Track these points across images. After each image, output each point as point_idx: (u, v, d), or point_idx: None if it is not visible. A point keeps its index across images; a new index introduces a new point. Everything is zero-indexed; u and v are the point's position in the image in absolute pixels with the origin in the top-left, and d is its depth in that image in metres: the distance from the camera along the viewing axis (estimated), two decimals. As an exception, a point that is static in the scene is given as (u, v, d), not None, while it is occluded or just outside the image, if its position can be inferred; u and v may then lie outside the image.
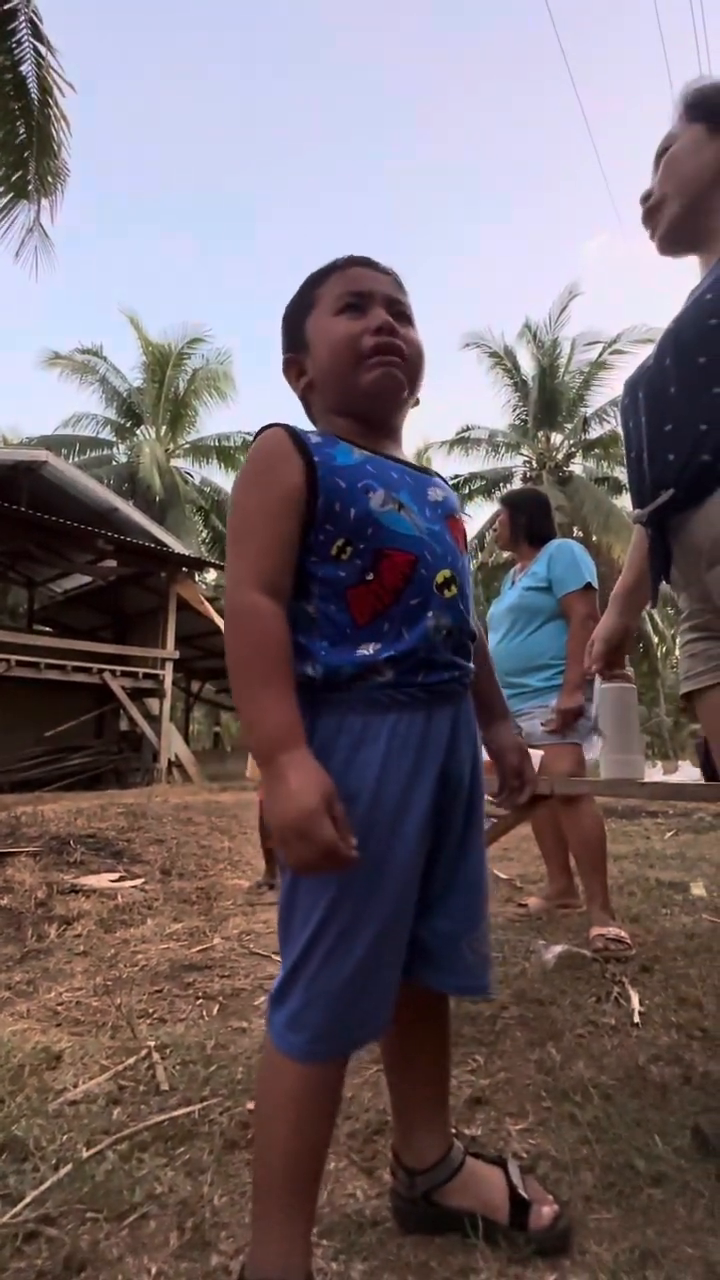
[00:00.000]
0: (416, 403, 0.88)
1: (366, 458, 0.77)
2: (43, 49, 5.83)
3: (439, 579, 0.75)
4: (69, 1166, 0.95)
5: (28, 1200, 0.88)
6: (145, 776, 9.70)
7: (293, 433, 0.75)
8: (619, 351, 16.10)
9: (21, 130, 6.18)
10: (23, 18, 5.62)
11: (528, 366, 17.52)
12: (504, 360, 17.47)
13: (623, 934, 1.86)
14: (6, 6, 5.46)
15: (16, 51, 5.70)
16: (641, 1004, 1.48)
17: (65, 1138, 1.03)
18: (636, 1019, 1.40)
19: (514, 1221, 0.79)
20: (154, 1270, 0.77)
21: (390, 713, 0.71)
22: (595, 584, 2.20)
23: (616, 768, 1.37)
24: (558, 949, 1.79)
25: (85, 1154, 0.99)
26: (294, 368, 0.86)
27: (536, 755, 1.87)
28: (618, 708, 1.39)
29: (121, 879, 3.23)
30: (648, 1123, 1.02)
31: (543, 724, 2.16)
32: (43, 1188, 0.91)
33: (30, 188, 6.54)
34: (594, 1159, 0.94)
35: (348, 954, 0.69)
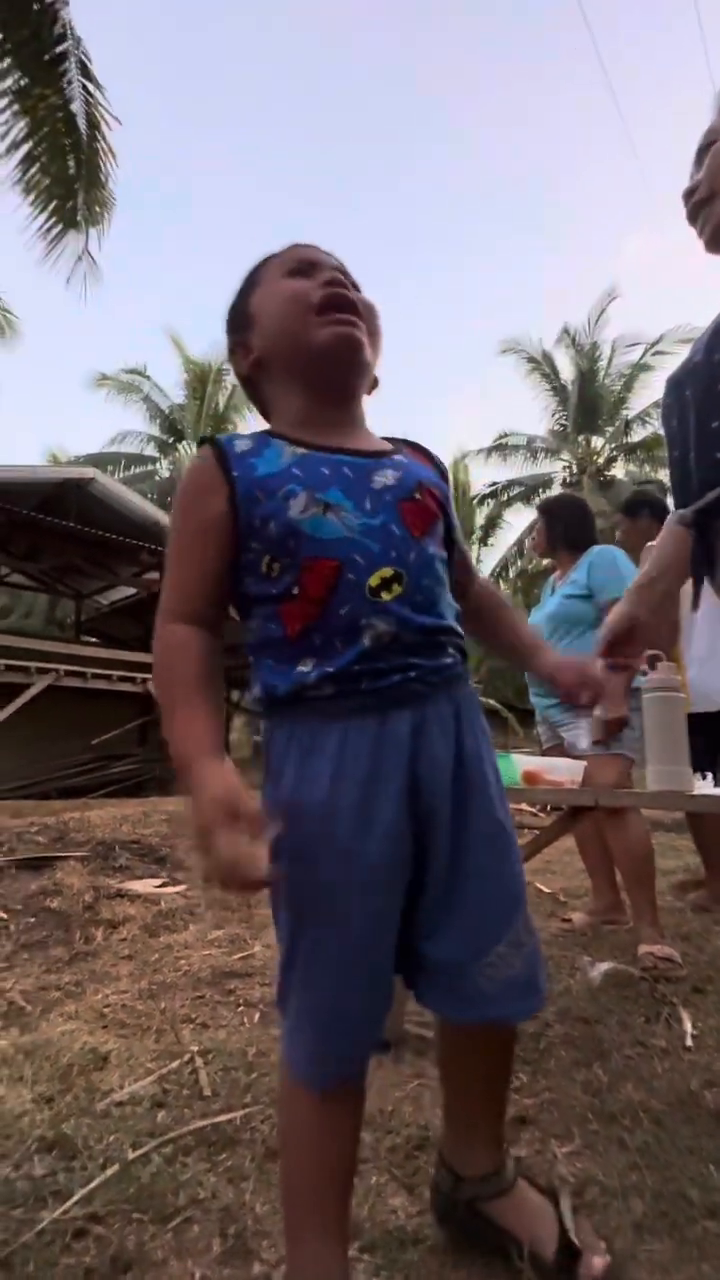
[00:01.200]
0: (376, 383, 0.82)
1: (296, 459, 0.71)
2: (91, 87, 6.12)
3: (373, 581, 0.68)
4: (115, 1167, 0.97)
5: (76, 1198, 0.91)
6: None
7: (220, 451, 0.72)
8: (661, 352, 15.76)
9: (71, 164, 6.49)
10: (73, 59, 5.91)
11: (567, 371, 17.32)
12: (542, 365, 17.30)
13: (673, 953, 1.80)
14: (58, 50, 5.76)
15: (67, 90, 5.99)
16: (694, 1027, 1.43)
17: (112, 1138, 1.06)
18: (689, 1042, 1.35)
19: (559, 1264, 0.74)
20: (198, 1275, 0.78)
21: (337, 721, 0.67)
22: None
23: (662, 779, 1.33)
24: (604, 966, 1.74)
25: (131, 1155, 1.01)
26: (240, 349, 0.81)
27: (580, 766, 1.83)
28: (663, 717, 1.35)
29: (165, 885, 3.29)
30: (701, 1151, 0.98)
31: (587, 734, 2.12)
32: (90, 1186, 0.93)
33: (79, 218, 6.86)
34: (644, 1186, 0.91)
35: (319, 975, 0.68)
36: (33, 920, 2.65)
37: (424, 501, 0.74)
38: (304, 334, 0.74)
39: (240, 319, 0.82)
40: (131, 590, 12.03)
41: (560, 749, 2.30)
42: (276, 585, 0.70)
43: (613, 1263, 0.76)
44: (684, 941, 2.06)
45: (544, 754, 2.36)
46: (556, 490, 17.54)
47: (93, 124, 6.20)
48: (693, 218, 1.01)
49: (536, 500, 17.71)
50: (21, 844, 4.02)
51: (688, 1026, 1.42)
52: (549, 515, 2.46)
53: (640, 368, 16.33)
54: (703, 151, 1.00)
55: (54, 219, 6.81)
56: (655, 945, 1.81)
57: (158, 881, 3.34)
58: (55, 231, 6.84)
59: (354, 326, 0.75)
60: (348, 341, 0.75)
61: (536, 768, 1.51)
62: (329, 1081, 0.69)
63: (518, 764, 1.54)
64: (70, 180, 6.40)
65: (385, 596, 0.69)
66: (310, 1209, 0.69)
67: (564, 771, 1.47)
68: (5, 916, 2.70)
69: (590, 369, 16.85)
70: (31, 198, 6.59)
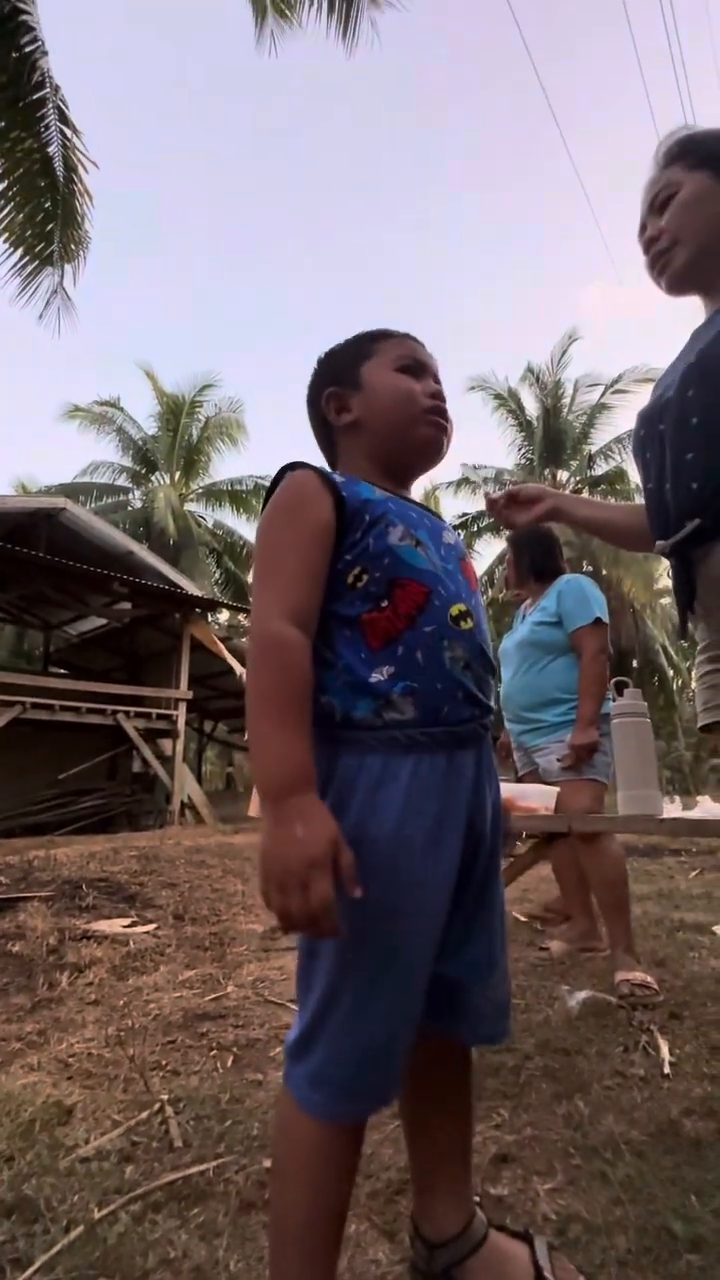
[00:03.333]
0: None
1: (388, 496, 0.79)
2: (68, 131, 6.27)
3: (453, 611, 0.75)
4: (80, 1229, 0.92)
5: (38, 1264, 0.85)
6: (158, 818, 9.61)
7: (320, 472, 0.77)
8: (621, 391, 16.48)
9: (47, 204, 6.61)
10: (50, 105, 6.07)
11: (531, 407, 17.95)
12: (508, 401, 17.91)
13: (649, 979, 1.80)
14: (35, 96, 5.91)
15: (44, 135, 6.13)
16: (672, 1053, 1.42)
17: (76, 1197, 1.00)
18: (667, 1069, 1.34)
19: None
20: (168, 1342, 0.74)
21: (410, 754, 0.69)
22: (606, 618, 2.21)
23: (633, 803, 1.35)
24: (582, 995, 1.73)
25: (97, 1215, 0.95)
26: (337, 401, 0.88)
27: (553, 792, 1.85)
28: (631, 742, 1.38)
29: (134, 924, 3.17)
30: (683, 1181, 0.97)
31: (558, 759, 2.14)
32: (52, 1251, 0.88)
33: (55, 256, 6.96)
34: (628, 1221, 0.89)
35: (371, 1007, 0.66)
36: (-8, 966, 2.53)
37: (473, 567, 0.86)
38: (409, 429, 0.86)
39: (347, 377, 0.88)
40: (102, 621, 11.86)
41: (534, 775, 2.32)
42: (363, 597, 0.73)
43: None
44: (659, 967, 2.06)
45: (519, 780, 2.37)
46: (525, 521, 17.97)
47: (70, 167, 6.34)
48: (655, 262, 1.08)
49: (505, 532, 18.14)
50: (-18, 885, 3.85)
51: (665, 1054, 1.41)
52: (516, 547, 2.52)
53: (600, 407, 17.03)
54: (660, 202, 1.06)
55: (28, 257, 6.90)
56: (631, 972, 1.81)
57: (126, 921, 3.22)
58: (30, 269, 6.92)
59: (446, 435, 0.88)
60: (439, 445, 0.88)
61: (508, 794, 1.52)
62: (360, 1117, 0.69)
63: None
64: (46, 220, 6.50)
65: (464, 625, 0.76)
66: (299, 1251, 0.66)
67: (536, 798, 1.49)
68: (-37, 963, 2.57)
69: (554, 405, 17.51)
70: (6, 236, 6.68)
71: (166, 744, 10.42)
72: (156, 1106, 1.29)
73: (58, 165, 6.21)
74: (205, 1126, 1.21)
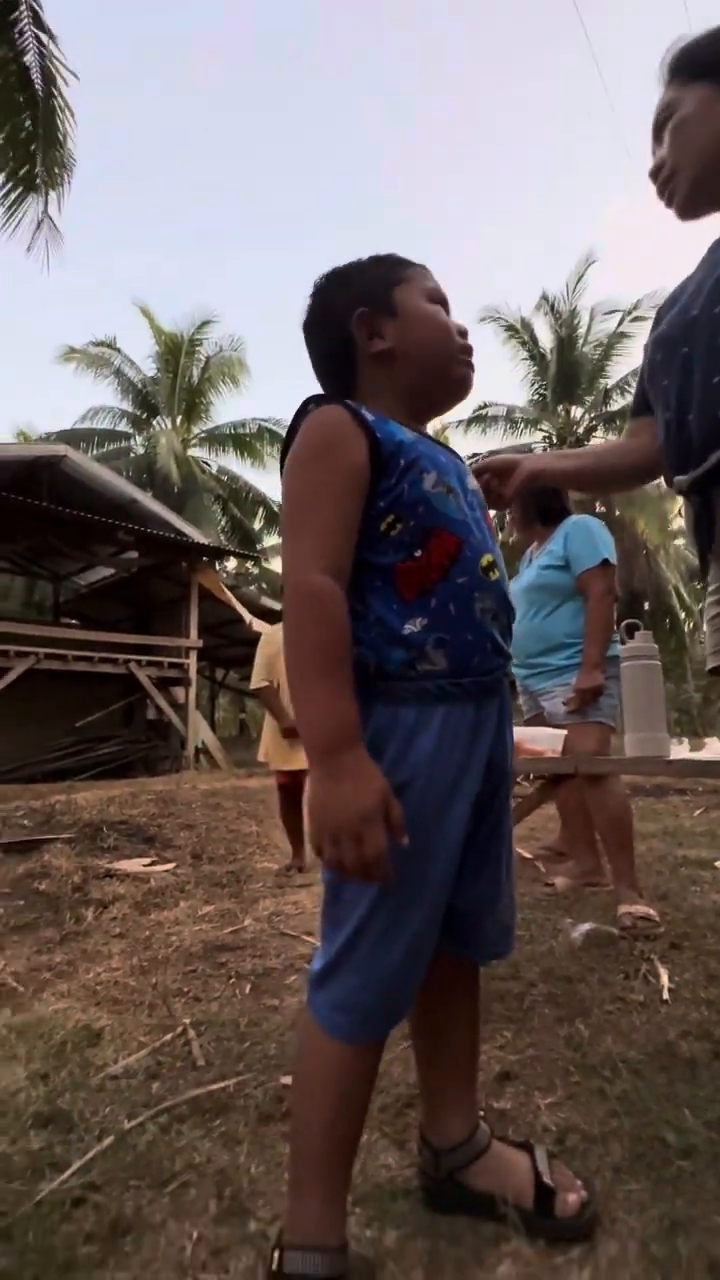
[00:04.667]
0: None
1: (417, 438, 0.76)
2: (45, 38, 5.80)
3: (484, 562, 0.76)
4: (111, 1138, 0.99)
5: (74, 1169, 0.93)
6: (173, 764, 9.89)
7: (352, 409, 0.72)
8: (640, 319, 15.62)
9: (28, 123, 6.18)
10: (24, 7, 5.59)
11: (546, 339, 17.13)
12: (521, 333, 17.09)
13: (651, 911, 1.86)
14: (7, -3, 5.44)
15: (19, 42, 5.68)
16: (671, 980, 1.48)
17: (107, 1110, 1.08)
18: (666, 995, 1.40)
19: (539, 1208, 0.79)
20: (195, 1235, 0.80)
21: (441, 704, 0.71)
22: (614, 560, 2.17)
23: (641, 745, 1.35)
24: (585, 927, 1.79)
25: (127, 1125, 1.03)
26: (369, 325, 0.81)
27: (560, 734, 1.86)
28: (640, 684, 1.38)
29: (154, 864, 3.31)
30: (677, 1097, 1.03)
31: (564, 702, 2.15)
32: (87, 1157, 0.95)
33: (38, 180, 6.56)
34: (623, 1132, 0.95)
35: (398, 938, 0.70)
36: (21, 903, 2.66)
37: (488, 513, 0.85)
38: (448, 365, 0.83)
39: (380, 302, 0.81)
40: (110, 571, 11.85)
41: (540, 719, 2.33)
42: (396, 546, 0.72)
43: (588, 1198, 0.80)
44: (662, 901, 2.13)
45: (525, 724, 2.39)
46: (537, 461, 17.46)
47: (48, 78, 5.89)
48: (661, 192, 1.00)
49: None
50: (7, 828, 4.01)
51: (664, 981, 1.47)
52: (520, 499, 2.45)
53: (618, 336, 16.20)
54: (660, 127, 0.98)
55: (10, 182, 6.51)
56: (634, 906, 1.87)
57: (146, 860, 3.36)
58: (14, 196, 6.54)
59: (472, 377, 0.86)
60: (469, 386, 0.86)
61: (518, 737, 1.53)
62: (380, 1032, 0.73)
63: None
64: (26, 141, 6.10)
65: (492, 576, 0.77)
66: (320, 1158, 0.71)
67: (544, 741, 1.50)
68: (-7, 900, 2.71)
69: (569, 336, 16.68)
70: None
71: (179, 692, 10.59)
72: (179, 1029, 1.37)
73: (35, 77, 5.77)
74: (225, 1047, 1.29)
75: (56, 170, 6.53)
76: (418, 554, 0.72)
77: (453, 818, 0.72)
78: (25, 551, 11.39)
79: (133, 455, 16.35)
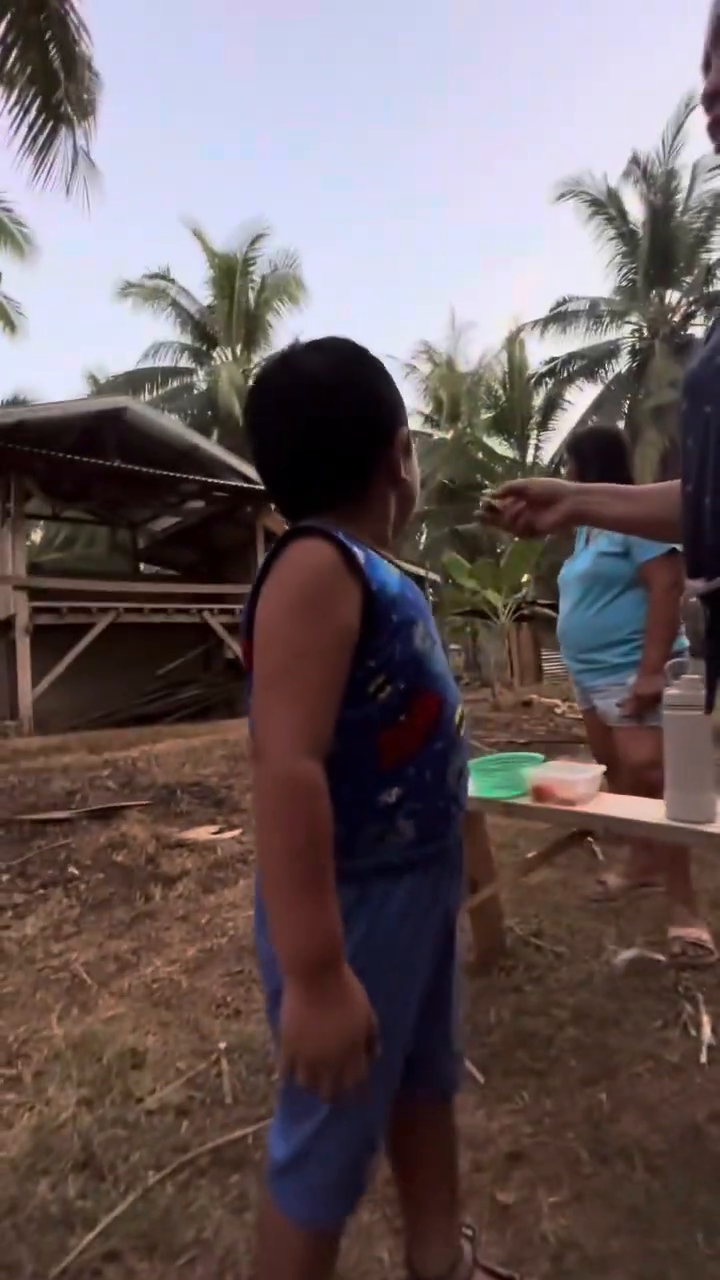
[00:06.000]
0: None
1: (402, 580, 0.70)
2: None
3: (457, 718, 0.73)
4: (135, 1194, 1.08)
5: (99, 1228, 1.02)
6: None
7: (343, 550, 0.63)
8: (755, 173, 13.18)
9: (52, 49, 5.78)
10: None
11: (636, 212, 14.91)
12: (607, 207, 14.95)
13: (704, 936, 1.75)
14: None
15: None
16: (713, 1032, 1.40)
17: (136, 1156, 1.17)
18: (704, 1057, 1.33)
19: None
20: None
21: (405, 875, 0.69)
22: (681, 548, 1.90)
23: (681, 808, 1.22)
24: (629, 954, 1.72)
25: (150, 1180, 1.11)
26: (387, 457, 0.73)
27: (597, 778, 1.71)
28: (682, 739, 1.22)
29: (220, 830, 3.51)
30: (693, 1210, 0.98)
31: (618, 704, 1.98)
32: (114, 1214, 1.04)
33: (67, 110, 6.20)
34: (625, 1257, 0.92)
35: (362, 1128, 0.69)
36: (101, 876, 2.91)
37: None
38: (410, 513, 0.81)
39: (387, 435, 0.74)
40: (178, 518, 12.08)
41: (594, 713, 2.18)
42: (382, 709, 0.66)
43: None
44: (714, 910, 2.00)
45: (582, 715, 2.25)
46: (624, 360, 15.73)
47: (60, -5, 5.42)
48: (711, 131, 0.76)
49: (601, 373, 15.99)
50: (94, 790, 4.37)
51: (706, 1034, 1.39)
52: (579, 456, 2.17)
53: (728, 196, 13.82)
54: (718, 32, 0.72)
55: (43, 115, 6.20)
56: (687, 929, 1.77)
57: (215, 828, 3.57)
58: (45, 133, 6.25)
59: None
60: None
61: (550, 782, 1.42)
62: (347, 1212, 0.71)
63: (528, 776, 1.45)
64: (48, 69, 5.73)
65: (461, 730, 0.74)
66: None
67: (581, 787, 1.38)
68: (78, 873, 2.99)
69: (665, 204, 14.39)
70: (14, 94, 5.99)
71: (253, 634, 10.90)
72: (214, 1056, 1.46)
73: (48, -3, 5.33)
74: (253, 1083, 1.36)
75: (85, 98, 6.15)
76: (402, 718, 0.67)
77: (417, 982, 0.71)
78: (102, 505, 11.78)
79: (195, 391, 16.20)
